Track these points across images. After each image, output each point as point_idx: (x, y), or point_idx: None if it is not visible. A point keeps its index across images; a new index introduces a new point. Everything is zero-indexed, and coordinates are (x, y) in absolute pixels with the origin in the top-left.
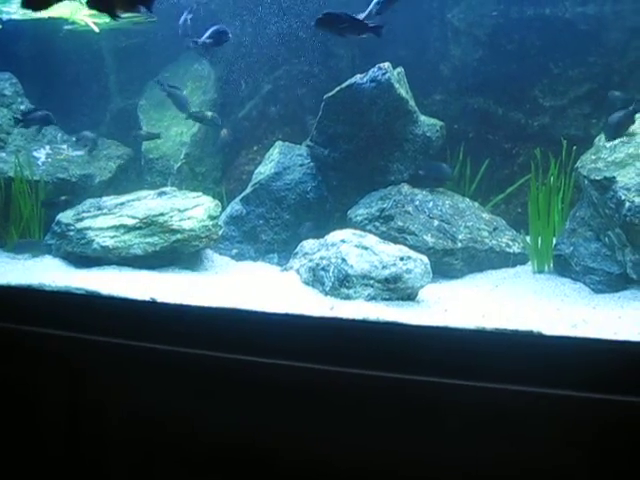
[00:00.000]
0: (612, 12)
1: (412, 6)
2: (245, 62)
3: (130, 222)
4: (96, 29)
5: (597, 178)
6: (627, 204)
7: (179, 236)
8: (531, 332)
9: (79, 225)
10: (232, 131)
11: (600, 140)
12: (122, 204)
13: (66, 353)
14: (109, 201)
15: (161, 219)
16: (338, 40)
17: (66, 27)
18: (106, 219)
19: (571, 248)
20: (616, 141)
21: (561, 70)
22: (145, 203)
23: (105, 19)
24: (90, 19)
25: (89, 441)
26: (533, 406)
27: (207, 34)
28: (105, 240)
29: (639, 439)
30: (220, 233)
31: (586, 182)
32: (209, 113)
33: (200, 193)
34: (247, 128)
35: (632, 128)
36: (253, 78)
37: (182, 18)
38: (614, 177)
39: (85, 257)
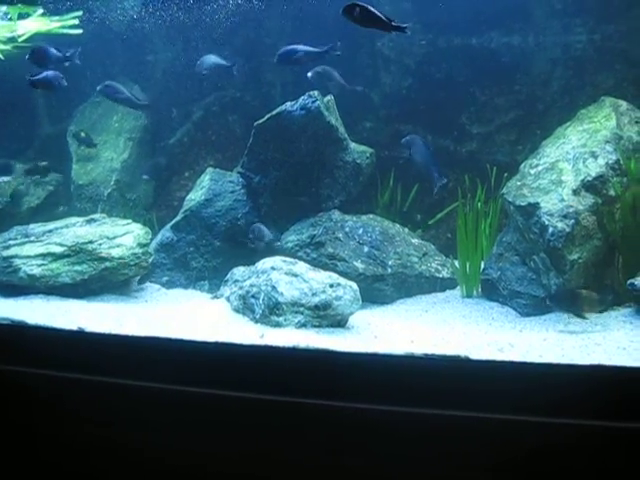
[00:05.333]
0: (535, 43)
1: (342, 34)
2: (177, 88)
3: (58, 250)
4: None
5: (522, 204)
6: (550, 229)
7: (108, 264)
8: (458, 357)
9: (5, 253)
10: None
11: (525, 166)
12: (50, 231)
13: None
14: (37, 228)
15: (90, 247)
16: (270, 67)
17: None
18: (33, 247)
19: (498, 272)
20: (540, 167)
21: (488, 98)
22: (74, 230)
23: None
24: None
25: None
26: (461, 429)
27: None
28: (32, 268)
29: (565, 461)
30: (150, 261)
31: (512, 208)
32: None
33: (130, 220)
34: (178, 154)
35: (554, 157)
36: (184, 104)
37: None
38: (538, 203)
39: (11, 286)
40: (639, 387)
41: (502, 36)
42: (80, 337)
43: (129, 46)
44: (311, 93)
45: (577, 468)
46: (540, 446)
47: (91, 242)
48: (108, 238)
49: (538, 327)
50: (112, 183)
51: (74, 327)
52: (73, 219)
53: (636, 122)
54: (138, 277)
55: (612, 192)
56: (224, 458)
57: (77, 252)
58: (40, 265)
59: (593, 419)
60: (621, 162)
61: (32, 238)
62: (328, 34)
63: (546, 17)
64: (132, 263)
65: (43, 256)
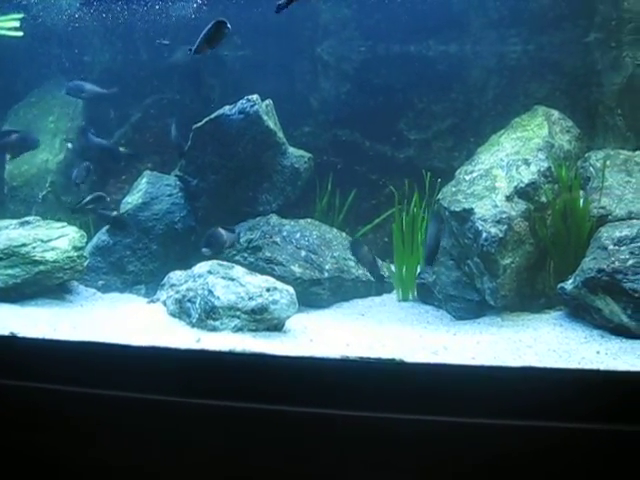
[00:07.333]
0: (472, 52)
1: (282, 39)
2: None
3: None
4: None
5: (457, 210)
6: (484, 234)
7: (42, 267)
8: (393, 360)
9: None
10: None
11: (461, 172)
12: None
13: None
14: None
15: (23, 250)
16: (210, 70)
17: None
18: None
19: (434, 277)
20: (475, 174)
21: (425, 105)
22: (6, 233)
23: None
24: None
25: None
26: (394, 431)
27: None
28: None
29: (498, 459)
30: (85, 264)
31: (447, 213)
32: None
33: (65, 223)
34: None
35: (489, 163)
36: (122, 106)
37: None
38: (472, 209)
39: None
40: (568, 387)
41: (439, 44)
42: (12, 342)
43: (66, 46)
44: (250, 97)
45: (513, 469)
46: (472, 447)
47: (24, 245)
48: (42, 241)
49: (472, 330)
50: (47, 185)
51: (6, 332)
52: (6, 221)
53: (567, 131)
54: (73, 281)
55: (544, 199)
56: (157, 461)
57: (10, 255)
58: None
59: (525, 419)
60: (552, 169)
61: None
62: (266, 36)
63: (482, 27)
64: (67, 267)
65: None
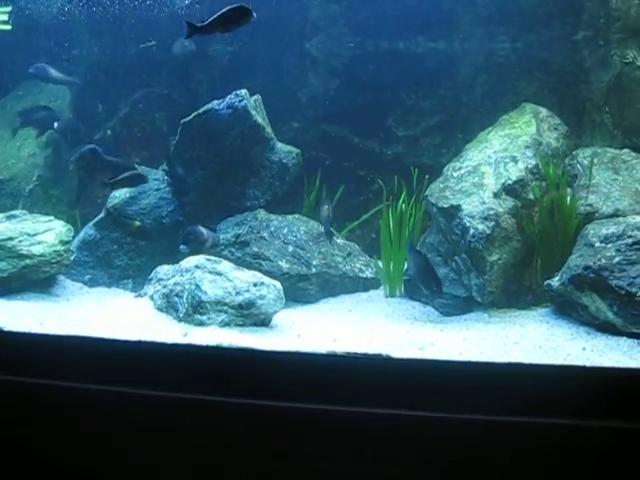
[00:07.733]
0: (461, 49)
1: (271, 34)
2: (102, 83)
3: None
4: None
5: (444, 206)
6: (472, 231)
7: (28, 262)
8: (380, 355)
9: None
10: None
11: (449, 169)
12: None
13: None
14: None
15: (9, 244)
16: (198, 64)
17: None
18: None
19: None
20: (462, 171)
21: (414, 101)
22: None
23: None
24: None
25: None
26: (381, 426)
27: None
28: None
29: (484, 455)
30: (72, 258)
31: (434, 209)
32: None
33: (52, 217)
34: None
35: (477, 160)
36: (110, 100)
37: None
38: (460, 205)
39: None
40: (554, 384)
41: (428, 41)
42: None
43: (54, 39)
44: (238, 92)
45: (495, 465)
46: (457, 442)
47: (11, 239)
48: (29, 235)
49: (459, 326)
50: (34, 179)
51: None
52: None
53: (555, 128)
54: (60, 275)
55: (531, 196)
56: (142, 456)
57: None
58: None
59: (510, 415)
60: (540, 167)
61: None
62: (255, 32)
63: (471, 24)
64: (53, 261)
65: None
